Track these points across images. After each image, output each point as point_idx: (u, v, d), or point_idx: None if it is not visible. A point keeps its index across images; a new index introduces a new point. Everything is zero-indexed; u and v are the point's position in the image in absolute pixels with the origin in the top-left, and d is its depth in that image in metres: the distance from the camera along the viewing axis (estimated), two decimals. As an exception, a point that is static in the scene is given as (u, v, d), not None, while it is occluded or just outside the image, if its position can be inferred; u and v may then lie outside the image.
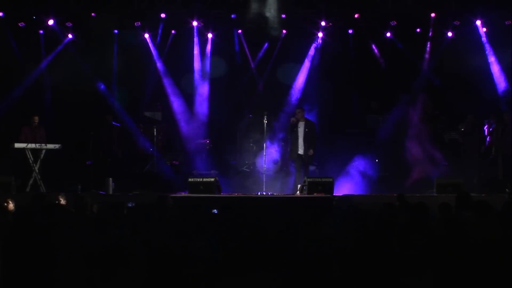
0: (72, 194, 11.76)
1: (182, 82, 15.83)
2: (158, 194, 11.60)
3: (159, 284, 5.21)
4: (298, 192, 13.00)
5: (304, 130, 13.54)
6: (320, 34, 15.26)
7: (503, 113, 14.07)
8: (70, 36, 15.21)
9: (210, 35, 15.48)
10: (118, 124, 15.00)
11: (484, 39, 14.89)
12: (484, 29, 14.82)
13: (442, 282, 5.21)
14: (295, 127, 13.57)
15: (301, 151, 13.50)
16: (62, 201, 9.68)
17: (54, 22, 14.91)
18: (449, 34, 15.01)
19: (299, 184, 13.16)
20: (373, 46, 15.42)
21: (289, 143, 13.96)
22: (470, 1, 14.61)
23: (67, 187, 13.40)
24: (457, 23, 14.85)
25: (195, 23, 15.14)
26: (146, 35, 15.39)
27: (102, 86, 15.68)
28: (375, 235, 5.64)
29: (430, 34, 15.12)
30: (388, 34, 15.14)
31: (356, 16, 14.88)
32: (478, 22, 14.72)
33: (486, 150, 14.17)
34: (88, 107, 15.29)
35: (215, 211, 8.63)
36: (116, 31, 15.51)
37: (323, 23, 15.01)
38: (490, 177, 13.90)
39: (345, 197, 12.17)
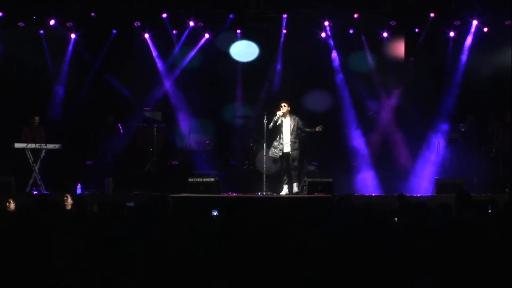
0: (72, 194, 11.78)
1: (182, 82, 15.84)
2: (158, 194, 11.64)
3: (158, 284, 5.21)
4: (294, 190, 12.86)
5: (290, 126, 12.91)
6: (323, 34, 15.26)
7: (505, 113, 14.06)
8: (73, 36, 15.21)
9: (207, 35, 15.45)
10: (119, 125, 15.01)
11: (468, 42, 14.90)
12: (485, 29, 14.81)
13: (442, 282, 5.21)
14: (277, 122, 12.88)
15: (287, 148, 12.89)
16: (69, 201, 9.70)
17: (55, 22, 14.91)
18: (451, 34, 15.00)
19: (294, 183, 12.91)
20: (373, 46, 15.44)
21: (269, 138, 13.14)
22: (470, 1, 14.62)
23: (67, 187, 13.42)
24: (457, 23, 14.85)
25: (191, 23, 15.11)
26: (146, 35, 15.40)
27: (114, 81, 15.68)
28: (375, 235, 5.63)
29: (428, 34, 15.11)
30: (385, 34, 15.14)
31: (355, 16, 14.89)
32: (475, 22, 14.71)
33: (486, 149, 14.18)
34: (90, 107, 15.32)
35: (215, 212, 8.62)
36: (115, 31, 15.51)
37: (326, 23, 15.02)
38: (490, 177, 13.91)
39: (345, 197, 12.16)
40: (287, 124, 12.90)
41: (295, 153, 12.94)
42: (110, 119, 14.88)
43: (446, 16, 14.82)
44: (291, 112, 13.02)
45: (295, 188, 12.93)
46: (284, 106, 12.93)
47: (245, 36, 15.59)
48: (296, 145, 12.93)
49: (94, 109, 15.29)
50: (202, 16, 15.09)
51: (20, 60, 15.39)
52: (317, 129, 12.95)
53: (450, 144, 14.68)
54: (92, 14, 14.79)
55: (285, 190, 12.98)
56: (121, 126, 15.01)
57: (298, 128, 12.95)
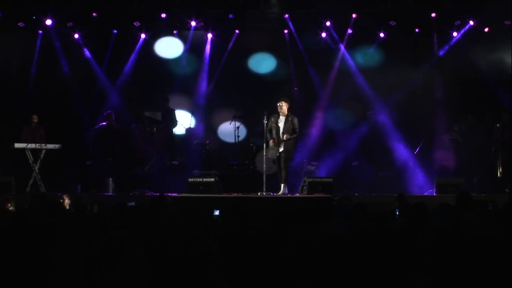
0: (72, 194, 11.80)
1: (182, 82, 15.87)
2: (157, 194, 11.64)
3: (159, 284, 5.21)
4: (280, 193, 12.62)
5: (284, 126, 12.57)
6: (324, 34, 15.28)
7: (503, 113, 14.07)
8: (76, 36, 15.24)
9: (210, 35, 15.49)
10: (119, 124, 15.02)
11: (466, 42, 14.95)
12: (486, 29, 14.84)
13: (442, 283, 5.21)
14: (275, 122, 12.62)
15: (280, 148, 12.62)
16: (67, 201, 9.68)
17: (53, 22, 14.93)
18: (454, 34, 15.02)
19: (281, 184, 12.68)
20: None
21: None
22: (469, 1, 14.64)
23: (67, 187, 13.42)
24: (457, 23, 14.87)
25: (193, 23, 15.14)
26: (143, 35, 15.46)
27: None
28: (375, 235, 5.63)
29: (430, 33, 15.13)
30: (382, 35, 15.16)
31: (354, 16, 14.92)
32: (471, 22, 14.75)
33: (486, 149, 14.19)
34: (90, 106, 15.35)
35: (216, 212, 8.61)
36: (115, 31, 15.54)
37: (328, 23, 15.05)
38: (490, 177, 13.91)
39: (345, 196, 12.15)
40: (282, 123, 12.61)
41: (285, 153, 12.62)
42: (111, 118, 14.87)
43: (446, 16, 14.84)
44: (289, 111, 12.74)
45: (282, 190, 12.64)
46: (283, 104, 12.67)
47: (245, 36, 15.61)
48: (288, 145, 12.62)
49: (94, 109, 15.32)
50: (202, 16, 15.11)
51: (20, 60, 15.40)
52: (284, 137, 12.55)
53: (449, 144, 14.71)
54: (94, 14, 14.82)
55: (282, 190, 12.78)
56: (122, 126, 15.02)
57: (292, 128, 12.61)
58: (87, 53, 15.52)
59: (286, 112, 12.69)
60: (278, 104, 12.70)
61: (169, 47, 15.70)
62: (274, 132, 12.68)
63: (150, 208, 7.90)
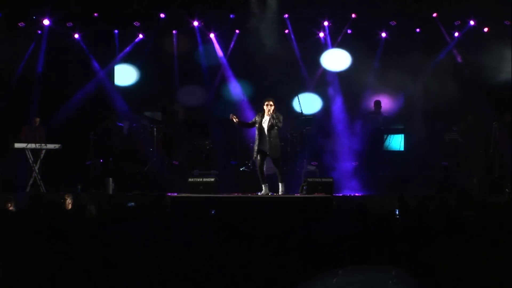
0: (72, 194, 11.77)
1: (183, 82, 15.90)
2: (156, 194, 11.64)
3: (158, 284, 5.21)
4: (280, 192, 12.41)
5: (268, 124, 12.06)
6: (322, 34, 15.30)
7: (505, 113, 14.07)
8: (76, 36, 15.27)
9: (212, 35, 15.53)
10: (121, 124, 15.03)
11: (467, 42, 14.95)
12: (486, 29, 14.86)
13: (443, 283, 5.21)
14: (260, 122, 12.20)
15: (265, 148, 12.13)
16: (69, 201, 9.67)
17: (52, 22, 14.95)
18: (456, 34, 15.05)
19: (280, 183, 12.38)
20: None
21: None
22: (469, 1, 14.66)
23: (67, 187, 13.42)
24: (457, 23, 14.89)
25: (196, 23, 15.18)
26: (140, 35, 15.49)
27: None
28: (375, 235, 5.64)
29: (431, 33, 15.14)
30: (384, 35, 15.17)
31: (353, 16, 14.93)
32: (472, 22, 14.77)
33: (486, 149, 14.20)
34: (91, 106, 15.36)
35: (213, 212, 8.60)
36: (116, 31, 15.57)
37: (325, 23, 15.07)
38: (490, 177, 13.92)
39: (346, 197, 12.17)
40: (266, 124, 12.13)
41: (274, 152, 12.25)
42: (113, 119, 14.87)
43: (446, 16, 14.86)
44: (275, 110, 12.13)
45: (281, 189, 12.40)
46: (268, 104, 12.10)
47: (245, 36, 15.61)
48: (273, 143, 12.17)
49: (94, 108, 15.33)
50: (203, 16, 15.13)
51: (20, 60, 15.41)
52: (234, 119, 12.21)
53: (450, 144, 14.73)
54: (95, 14, 14.85)
55: (265, 190, 12.44)
56: (122, 125, 15.04)
57: (276, 123, 12.08)
58: (87, 52, 15.54)
59: (272, 112, 12.12)
60: (265, 103, 12.22)
61: (125, 74, 15.79)
62: (258, 133, 12.25)
63: (150, 208, 7.91)
